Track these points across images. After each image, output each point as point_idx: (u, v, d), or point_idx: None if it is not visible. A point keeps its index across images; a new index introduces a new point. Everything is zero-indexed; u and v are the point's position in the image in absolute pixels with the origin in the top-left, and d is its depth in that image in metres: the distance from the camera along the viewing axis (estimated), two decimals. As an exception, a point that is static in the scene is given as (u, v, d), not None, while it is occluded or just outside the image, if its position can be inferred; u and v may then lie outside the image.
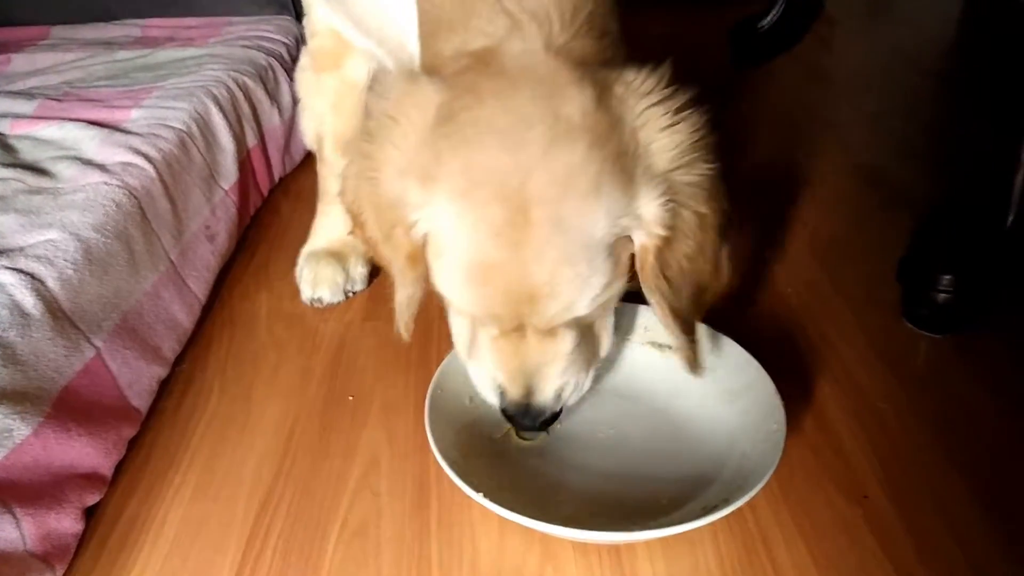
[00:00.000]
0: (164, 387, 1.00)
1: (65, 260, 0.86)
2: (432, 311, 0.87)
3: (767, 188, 1.40)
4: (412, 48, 0.84)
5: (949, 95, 1.80)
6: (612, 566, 0.76)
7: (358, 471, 0.88)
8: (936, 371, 0.98)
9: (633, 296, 0.79)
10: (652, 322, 0.94)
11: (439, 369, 0.89)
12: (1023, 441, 0.87)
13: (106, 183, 0.99)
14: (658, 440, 0.87)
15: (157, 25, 1.65)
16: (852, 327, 1.05)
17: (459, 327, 0.82)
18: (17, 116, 1.18)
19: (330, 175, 1.15)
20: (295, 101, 1.22)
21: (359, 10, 0.98)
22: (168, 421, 0.96)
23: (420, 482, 0.86)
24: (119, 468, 0.88)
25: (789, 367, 0.98)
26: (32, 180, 1.00)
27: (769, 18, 1.83)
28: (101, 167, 1.03)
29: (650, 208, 0.69)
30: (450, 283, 0.71)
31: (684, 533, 0.73)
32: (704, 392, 0.89)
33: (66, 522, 0.77)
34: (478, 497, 0.73)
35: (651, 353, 0.95)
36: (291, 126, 1.47)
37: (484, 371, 0.79)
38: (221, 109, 1.26)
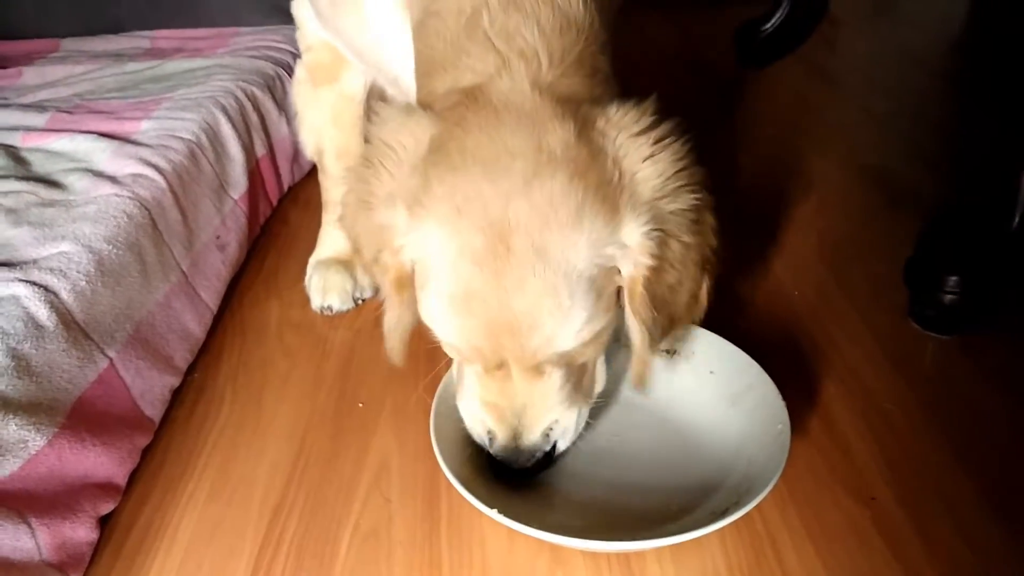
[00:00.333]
0: (176, 396, 1.01)
1: (78, 272, 0.88)
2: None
3: (773, 189, 1.40)
4: (408, 82, 0.86)
5: (955, 95, 1.80)
6: (621, 570, 0.77)
7: (369, 476, 0.89)
8: (943, 372, 0.98)
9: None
10: None
11: (441, 384, 0.88)
12: (1031, 441, 0.88)
13: (117, 195, 1.00)
14: (664, 447, 0.88)
15: (166, 36, 1.67)
16: (859, 328, 1.05)
17: (453, 369, 0.83)
18: (29, 129, 1.19)
19: (333, 186, 1.16)
20: (293, 114, 1.23)
21: (358, 44, 1.00)
22: (180, 429, 0.97)
23: (430, 486, 0.87)
24: (133, 476, 0.89)
25: (795, 369, 0.98)
26: (44, 192, 1.02)
27: (774, 19, 1.83)
28: (112, 179, 1.04)
29: (635, 237, 0.69)
30: (434, 313, 0.71)
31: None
32: (707, 396, 0.90)
33: (81, 531, 0.78)
34: (492, 513, 0.73)
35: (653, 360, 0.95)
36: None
37: (473, 413, 0.79)
38: (230, 119, 1.27)
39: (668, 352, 0.94)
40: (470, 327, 0.70)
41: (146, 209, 1.01)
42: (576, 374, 0.78)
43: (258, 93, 1.38)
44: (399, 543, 0.81)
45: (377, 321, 1.12)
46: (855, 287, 1.13)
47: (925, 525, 0.79)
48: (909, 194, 1.35)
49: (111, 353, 0.88)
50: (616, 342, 0.86)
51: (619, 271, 0.72)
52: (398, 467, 0.90)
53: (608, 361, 0.85)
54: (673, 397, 0.91)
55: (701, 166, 0.74)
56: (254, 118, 1.35)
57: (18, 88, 1.43)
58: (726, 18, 1.98)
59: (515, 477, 0.80)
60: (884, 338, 1.03)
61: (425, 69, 0.80)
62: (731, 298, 1.13)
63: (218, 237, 1.17)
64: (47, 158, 1.12)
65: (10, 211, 0.97)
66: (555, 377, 0.74)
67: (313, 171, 1.33)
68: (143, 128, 1.18)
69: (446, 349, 0.78)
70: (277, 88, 1.45)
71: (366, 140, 0.78)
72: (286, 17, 1.15)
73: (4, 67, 1.51)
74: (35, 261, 0.88)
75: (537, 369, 0.73)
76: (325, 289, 1.16)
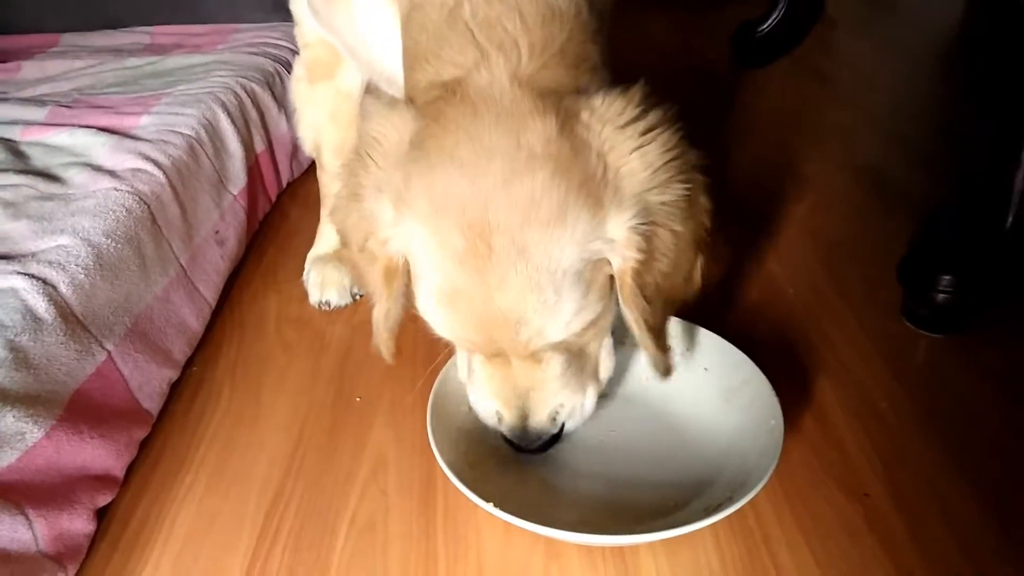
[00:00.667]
0: (175, 389, 1.01)
1: (77, 265, 0.88)
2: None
3: (769, 188, 1.41)
4: (401, 79, 0.86)
5: (950, 96, 1.80)
6: (616, 564, 0.77)
7: (366, 469, 0.89)
8: (936, 370, 0.99)
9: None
10: None
11: (438, 379, 0.89)
12: (1021, 438, 0.88)
13: (116, 189, 1.00)
14: (658, 442, 0.88)
15: (166, 32, 1.68)
16: (853, 327, 1.06)
17: (454, 359, 0.84)
18: (28, 123, 1.20)
19: (331, 182, 1.17)
20: (291, 111, 1.23)
21: (350, 40, 1.00)
22: (179, 422, 0.98)
23: (427, 480, 0.87)
24: (131, 469, 0.90)
25: (790, 367, 0.99)
26: (43, 186, 1.02)
27: (771, 20, 1.84)
28: (111, 173, 1.04)
29: (621, 232, 0.69)
30: (425, 306, 0.72)
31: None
32: (701, 392, 0.90)
33: (78, 523, 0.78)
34: (488, 507, 0.74)
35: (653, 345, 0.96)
36: (297, 132, 1.49)
37: (481, 396, 0.80)
38: (229, 115, 1.27)
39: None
40: (459, 322, 0.71)
41: (145, 204, 1.01)
42: (577, 358, 0.78)
43: (257, 89, 1.39)
44: (396, 536, 0.81)
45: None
46: (850, 286, 1.14)
47: (917, 522, 0.79)
48: (904, 194, 1.36)
49: (109, 346, 0.88)
50: (617, 341, 0.87)
51: (610, 262, 0.72)
52: (395, 461, 0.90)
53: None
54: (668, 393, 0.92)
55: (696, 149, 0.73)
56: (253, 114, 1.36)
57: (17, 82, 1.43)
58: (725, 18, 1.99)
59: (527, 453, 0.81)
60: (878, 336, 1.04)
61: (410, 62, 0.79)
62: (726, 296, 1.13)
63: (217, 232, 1.17)
64: (46, 152, 1.12)
65: (9, 204, 0.97)
66: (554, 363, 0.75)
67: (312, 167, 1.34)
68: (142, 123, 1.18)
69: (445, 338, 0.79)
70: (276, 84, 1.46)
71: (359, 135, 0.78)
72: (285, 14, 1.15)
73: (3, 61, 1.51)
74: (34, 254, 0.89)
75: (534, 357, 0.74)
76: (323, 284, 1.17)
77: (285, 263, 1.28)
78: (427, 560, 0.79)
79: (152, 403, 0.94)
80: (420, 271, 0.71)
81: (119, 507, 0.86)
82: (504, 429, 0.79)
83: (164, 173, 1.07)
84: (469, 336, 0.72)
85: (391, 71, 0.90)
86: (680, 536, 0.74)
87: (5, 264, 0.86)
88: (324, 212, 1.22)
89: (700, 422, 0.89)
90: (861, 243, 1.25)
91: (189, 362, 1.06)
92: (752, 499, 0.74)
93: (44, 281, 0.84)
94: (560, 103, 0.69)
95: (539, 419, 0.78)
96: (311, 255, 1.22)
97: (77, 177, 1.04)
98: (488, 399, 0.79)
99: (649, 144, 0.69)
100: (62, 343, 0.82)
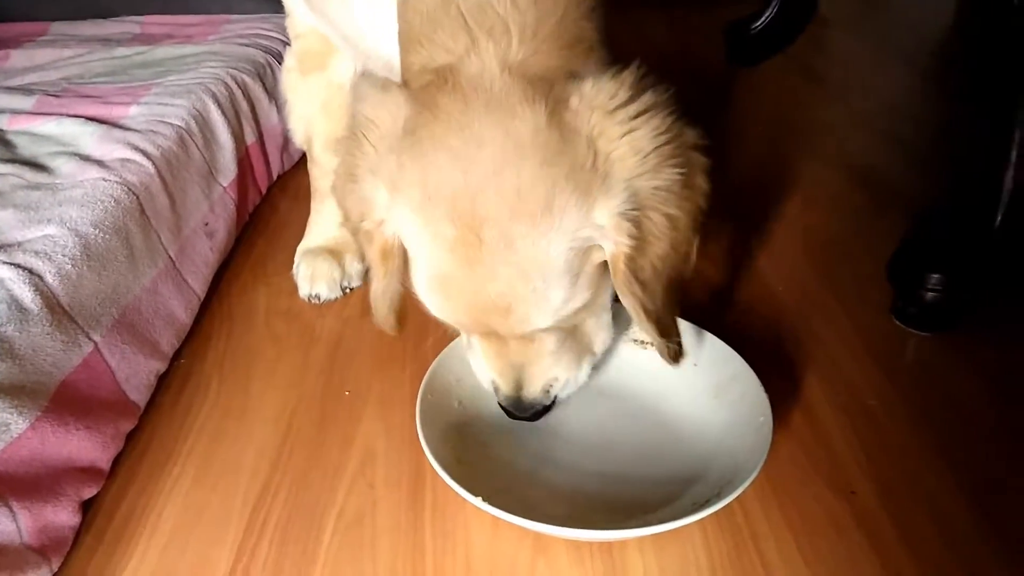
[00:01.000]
0: (162, 381, 1.01)
1: (63, 255, 0.87)
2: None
3: (759, 187, 1.41)
4: (399, 66, 0.85)
5: (942, 95, 1.81)
6: (603, 559, 0.77)
7: (354, 463, 0.89)
8: (925, 369, 0.99)
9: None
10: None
11: (427, 373, 0.89)
12: (1010, 436, 0.89)
13: (105, 179, 1.00)
14: (647, 438, 0.88)
15: (156, 22, 1.66)
16: (842, 325, 1.06)
17: (443, 352, 0.87)
18: (15, 111, 1.19)
19: (321, 175, 1.16)
20: (282, 102, 1.23)
21: (345, 29, 0.99)
22: (166, 415, 0.97)
23: (415, 474, 0.87)
24: (117, 461, 0.89)
25: (779, 364, 0.99)
26: (30, 175, 1.01)
27: (764, 18, 1.84)
28: (100, 163, 1.04)
29: (611, 218, 0.68)
30: (419, 289, 0.74)
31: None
32: (690, 388, 0.90)
33: (63, 515, 0.78)
34: (477, 501, 0.73)
35: (636, 351, 0.96)
36: (288, 124, 1.48)
37: (480, 367, 0.83)
38: (220, 106, 1.27)
39: (643, 343, 0.95)
40: (451, 306, 0.73)
41: (134, 194, 1.00)
42: (571, 334, 0.80)
43: (248, 81, 1.38)
44: (383, 530, 0.81)
45: (365, 310, 1.14)
46: (840, 284, 1.14)
47: (904, 519, 0.80)
48: (895, 192, 1.37)
49: (96, 337, 0.87)
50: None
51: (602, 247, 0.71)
52: (384, 454, 0.90)
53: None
54: (657, 389, 0.92)
55: (693, 128, 0.72)
56: (244, 106, 1.35)
57: (5, 71, 1.42)
58: (719, 16, 1.99)
59: (517, 419, 0.84)
60: (867, 334, 1.04)
61: (404, 45, 0.79)
62: (716, 293, 1.14)
63: (206, 224, 1.16)
64: (33, 141, 1.11)
65: (-5, 193, 0.96)
66: (547, 341, 0.78)
67: (303, 160, 1.33)
68: (131, 113, 1.18)
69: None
70: (267, 76, 1.45)
71: (352, 116, 0.78)
72: (277, 5, 1.15)
73: (-8, 49, 1.50)
74: (20, 244, 0.88)
75: (526, 336, 0.75)
76: (313, 277, 1.16)
77: (275, 256, 1.27)
78: (415, 554, 0.79)
79: (139, 395, 0.94)
80: (414, 255, 0.72)
81: (105, 499, 0.86)
82: (500, 399, 0.82)
83: (153, 164, 1.06)
84: (462, 319, 0.74)
85: (388, 56, 0.89)
86: (668, 532, 0.74)
87: (-9, 253, 0.85)
88: (314, 204, 1.21)
89: (689, 418, 0.89)
90: (852, 241, 1.25)
91: (177, 354, 1.05)
92: (740, 495, 0.74)
93: (30, 271, 0.84)
94: (550, 90, 0.68)
95: (533, 391, 0.81)
96: (301, 248, 1.21)
97: (65, 167, 1.03)
98: (486, 371, 0.82)
99: (639, 129, 0.68)
100: (48, 333, 0.82)
